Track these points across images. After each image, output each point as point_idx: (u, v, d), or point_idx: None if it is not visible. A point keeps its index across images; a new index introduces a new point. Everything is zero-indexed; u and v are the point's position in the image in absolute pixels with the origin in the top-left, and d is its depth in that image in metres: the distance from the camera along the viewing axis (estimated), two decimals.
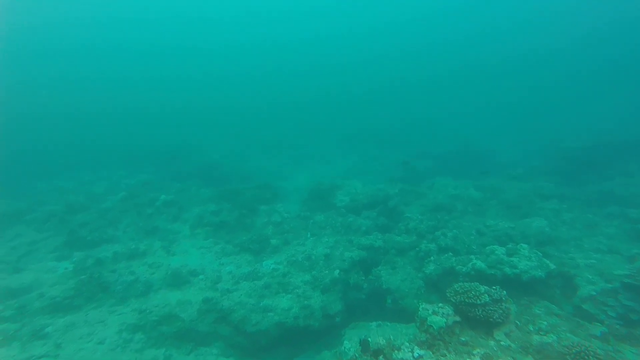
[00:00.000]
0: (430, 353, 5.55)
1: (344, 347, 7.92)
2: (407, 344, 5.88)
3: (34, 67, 74.64)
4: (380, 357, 5.74)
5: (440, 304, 6.40)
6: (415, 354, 5.62)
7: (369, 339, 7.60)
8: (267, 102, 64.69)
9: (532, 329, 6.34)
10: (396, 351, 5.79)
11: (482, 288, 6.25)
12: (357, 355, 5.95)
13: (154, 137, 37.29)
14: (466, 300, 6.07)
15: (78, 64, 78.14)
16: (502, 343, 5.70)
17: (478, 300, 5.99)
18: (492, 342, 5.67)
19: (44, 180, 22.70)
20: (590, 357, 5.16)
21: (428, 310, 6.27)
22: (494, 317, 5.89)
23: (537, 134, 32.08)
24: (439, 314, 6.09)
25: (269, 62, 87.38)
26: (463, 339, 5.70)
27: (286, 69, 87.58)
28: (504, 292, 6.35)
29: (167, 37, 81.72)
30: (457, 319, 6.08)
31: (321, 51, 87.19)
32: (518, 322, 6.42)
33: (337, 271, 10.88)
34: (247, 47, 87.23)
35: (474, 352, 5.23)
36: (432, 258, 10.37)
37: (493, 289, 6.38)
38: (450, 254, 10.31)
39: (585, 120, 35.81)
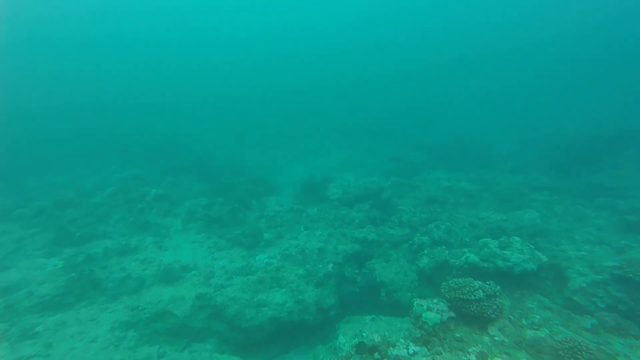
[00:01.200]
0: (426, 350, 5.57)
1: (339, 342, 7.95)
2: (402, 340, 5.90)
3: (25, 62, 72.59)
4: (376, 354, 5.74)
5: (435, 300, 6.42)
6: (411, 351, 5.64)
7: (364, 334, 7.65)
8: (262, 95, 63.99)
9: (525, 323, 6.40)
10: (391, 348, 5.81)
11: (477, 284, 6.27)
12: (352, 352, 5.95)
13: (147, 131, 36.70)
14: (461, 296, 6.09)
15: (69, 58, 76.25)
16: (496, 339, 5.74)
17: (472, 296, 6.01)
18: (486, 338, 5.71)
19: (36, 176, 22.19)
20: (583, 352, 5.23)
21: (423, 306, 6.29)
22: (489, 313, 5.92)
23: (531, 126, 32.26)
24: (433, 310, 6.11)
25: (264, 54, 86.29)
26: (458, 335, 5.73)
27: (281, 61, 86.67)
28: (498, 287, 6.39)
29: (159, 29, 79.89)
30: (452, 315, 6.11)
31: (316, 42, 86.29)
32: (511, 317, 6.48)
33: (331, 265, 10.88)
34: (242, 38, 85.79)
35: (470, 349, 5.26)
36: (425, 251, 10.41)
37: (487, 284, 6.41)
38: (444, 247, 10.37)
39: (578, 113, 36.08)
